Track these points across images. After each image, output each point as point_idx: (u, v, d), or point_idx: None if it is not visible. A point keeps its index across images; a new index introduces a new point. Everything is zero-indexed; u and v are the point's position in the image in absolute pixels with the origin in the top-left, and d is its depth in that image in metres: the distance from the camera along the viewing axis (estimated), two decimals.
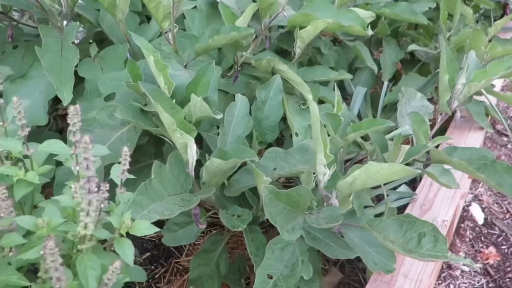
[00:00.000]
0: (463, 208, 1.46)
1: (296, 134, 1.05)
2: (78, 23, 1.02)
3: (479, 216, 1.45)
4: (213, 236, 1.07)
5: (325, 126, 0.95)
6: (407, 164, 0.96)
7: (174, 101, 0.88)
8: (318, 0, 1.16)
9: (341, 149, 0.96)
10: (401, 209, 1.21)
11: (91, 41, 1.22)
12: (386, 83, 1.47)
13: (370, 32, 1.16)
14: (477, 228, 1.41)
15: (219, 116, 0.88)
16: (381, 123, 0.92)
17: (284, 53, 1.28)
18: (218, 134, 0.93)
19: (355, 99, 1.47)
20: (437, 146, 1.49)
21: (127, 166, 0.60)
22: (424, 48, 1.49)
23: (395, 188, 1.29)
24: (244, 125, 0.95)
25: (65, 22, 1.06)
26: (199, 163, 0.86)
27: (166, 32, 0.96)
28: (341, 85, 1.52)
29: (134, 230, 0.58)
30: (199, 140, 0.99)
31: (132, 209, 0.63)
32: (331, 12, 1.15)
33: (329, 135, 0.93)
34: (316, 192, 0.85)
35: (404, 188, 1.29)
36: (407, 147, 0.90)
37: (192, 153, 0.73)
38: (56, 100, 0.98)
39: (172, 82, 0.87)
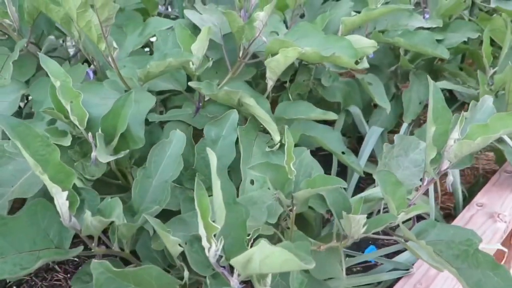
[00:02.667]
0: None
1: (252, 182, 0.88)
2: (25, 39, 0.95)
3: None
4: None
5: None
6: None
7: (89, 134, 0.76)
8: (307, 25, 0.99)
9: (288, 208, 0.77)
10: (391, 285, 0.98)
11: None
12: (405, 125, 1.24)
13: (365, 65, 0.96)
14: None
15: None
16: (334, 183, 0.72)
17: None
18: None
19: (367, 141, 1.25)
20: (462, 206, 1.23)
21: None
22: (457, 86, 1.23)
23: None
24: (175, 167, 0.79)
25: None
26: None
27: (107, 56, 0.85)
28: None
29: None
30: None
31: None
32: (319, 39, 0.97)
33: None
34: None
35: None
36: (363, 218, 0.69)
37: (60, 201, 0.60)
38: None
39: (85, 112, 0.74)
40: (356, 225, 0.72)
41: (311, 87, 1.19)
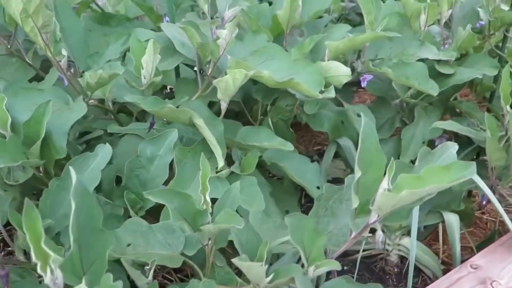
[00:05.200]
0: None
1: None
2: None
3: None
4: None
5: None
6: None
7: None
8: (275, 47, 0.92)
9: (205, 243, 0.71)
10: None
11: None
12: None
13: (330, 94, 0.87)
14: None
15: None
16: (235, 221, 0.64)
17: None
18: None
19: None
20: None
21: None
22: (464, 128, 1.08)
23: None
24: (94, 182, 0.76)
25: None
26: None
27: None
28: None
29: None
30: None
31: None
32: (286, 62, 0.90)
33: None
34: None
35: None
36: (263, 269, 0.61)
37: None
38: None
39: (8, 116, 0.74)
40: (259, 273, 0.64)
41: (296, 113, 1.11)
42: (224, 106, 0.89)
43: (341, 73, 0.92)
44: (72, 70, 1.08)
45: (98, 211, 0.58)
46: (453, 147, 0.73)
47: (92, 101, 0.93)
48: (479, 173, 1.19)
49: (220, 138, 0.88)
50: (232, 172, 0.90)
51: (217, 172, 0.89)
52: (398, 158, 1.18)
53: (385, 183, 0.63)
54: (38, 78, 1.06)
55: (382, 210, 0.63)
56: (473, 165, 0.59)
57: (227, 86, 0.84)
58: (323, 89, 0.86)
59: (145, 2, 1.29)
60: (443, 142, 1.27)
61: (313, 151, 1.50)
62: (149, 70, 0.85)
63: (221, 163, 0.85)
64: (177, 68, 1.12)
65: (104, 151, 0.78)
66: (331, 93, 0.86)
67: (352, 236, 0.68)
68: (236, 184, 0.79)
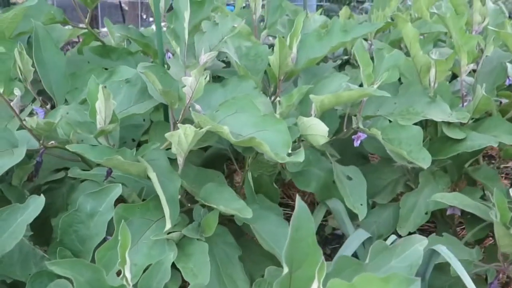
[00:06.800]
0: None
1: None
2: None
3: None
4: None
5: None
6: None
7: None
8: (246, 100, 0.82)
9: None
10: None
11: None
12: (392, 238, 0.97)
13: (299, 158, 0.76)
14: None
15: None
16: None
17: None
18: None
19: (348, 244, 1.00)
20: None
21: None
22: (475, 203, 0.93)
23: None
24: (18, 237, 0.70)
25: None
26: None
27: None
28: None
29: None
30: None
31: None
32: (255, 118, 0.81)
33: None
34: None
35: None
36: None
37: None
38: None
39: None
40: None
41: (280, 169, 1.00)
42: (181, 161, 0.80)
43: (319, 132, 0.81)
44: (48, 106, 1.04)
45: None
46: (421, 242, 0.59)
47: (52, 142, 0.88)
48: (490, 256, 1.02)
49: (173, 196, 0.79)
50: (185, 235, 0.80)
51: (169, 233, 0.80)
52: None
53: (315, 285, 0.52)
54: None
55: None
56: (417, 282, 0.46)
57: (180, 141, 0.75)
58: (290, 152, 0.76)
59: (145, 38, 1.25)
60: (456, 212, 1.11)
61: (309, 203, 1.37)
62: (102, 116, 0.78)
63: (168, 225, 0.76)
64: (166, 109, 1.05)
65: (36, 203, 0.71)
66: (299, 157, 0.75)
67: None
68: (169, 256, 0.70)
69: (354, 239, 1.01)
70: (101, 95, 0.76)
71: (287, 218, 1.26)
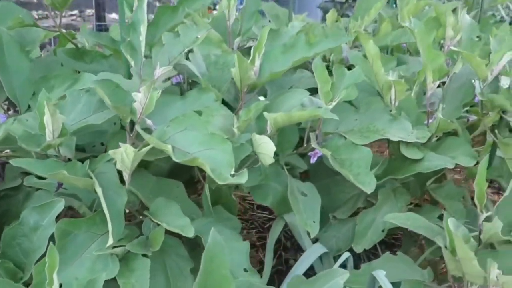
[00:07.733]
0: None
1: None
2: None
3: None
4: None
5: None
6: None
7: None
8: (195, 118, 0.83)
9: None
10: None
11: None
12: (345, 255, 0.97)
13: (240, 180, 0.76)
14: None
15: None
16: None
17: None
18: None
19: (304, 259, 1.01)
20: None
21: None
22: (429, 224, 0.93)
23: None
24: None
25: None
26: None
27: None
28: None
29: None
30: None
31: None
32: (203, 136, 0.81)
33: None
34: None
35: None
36: None
37: None
38: None
39: None
40: None
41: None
42: (126, 177, 0.81)
43: (267, 152, 0.81)
44: (11, 111, 1.05)
45: None
46: (342, 276, 0.60)
47: (7, 151, 0.89)
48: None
49: (119, 210, 0.79)
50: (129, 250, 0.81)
51: (114, 247, 0.81)
52: None
53: None
54: None
55: None
56: None
57: (123, 158, 0.76)
58: (233, 173, 0.76)
59: (115, 43, 1.24)
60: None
61: None
62: (50, 130, 0.79)
63: (110, 240, 0.76)
64: None
65: None
66: (242, 178, 0.75)
67: None
68: (102, 276, 0.71)
69: (310, 254, 1.01)
70: (47, 111, 0.77)
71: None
